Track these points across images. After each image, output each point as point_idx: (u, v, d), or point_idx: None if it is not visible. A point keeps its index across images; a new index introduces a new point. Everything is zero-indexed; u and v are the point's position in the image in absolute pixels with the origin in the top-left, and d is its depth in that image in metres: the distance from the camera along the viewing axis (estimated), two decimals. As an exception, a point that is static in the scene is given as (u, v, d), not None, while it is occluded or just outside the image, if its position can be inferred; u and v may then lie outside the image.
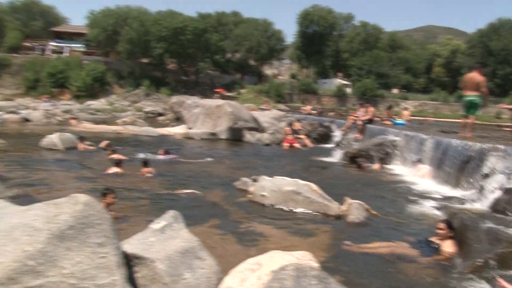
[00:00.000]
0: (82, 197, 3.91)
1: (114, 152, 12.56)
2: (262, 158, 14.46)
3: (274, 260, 4.08)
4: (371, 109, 18.35)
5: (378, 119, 19.89)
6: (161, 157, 12.69)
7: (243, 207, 7.78)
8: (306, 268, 2.92)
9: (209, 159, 13.25)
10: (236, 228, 6.58)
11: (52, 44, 50.80)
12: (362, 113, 17.71)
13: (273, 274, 3.11)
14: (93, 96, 40.24)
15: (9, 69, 44.64)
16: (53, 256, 3.59)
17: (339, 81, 52.07)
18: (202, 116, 19.36)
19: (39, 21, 55.02)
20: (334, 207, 7.62)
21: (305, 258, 4.10)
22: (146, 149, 14.06)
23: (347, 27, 61.74)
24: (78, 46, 50.36)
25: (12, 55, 46.42)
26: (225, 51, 53.34)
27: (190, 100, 22.51)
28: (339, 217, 7.36)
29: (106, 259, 3.66)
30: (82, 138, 14.22)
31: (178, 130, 19.83)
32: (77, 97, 39.65)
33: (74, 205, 3.84)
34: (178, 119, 25.02)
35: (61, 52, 48.84)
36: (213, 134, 18.49)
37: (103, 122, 24.30)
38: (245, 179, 9.21)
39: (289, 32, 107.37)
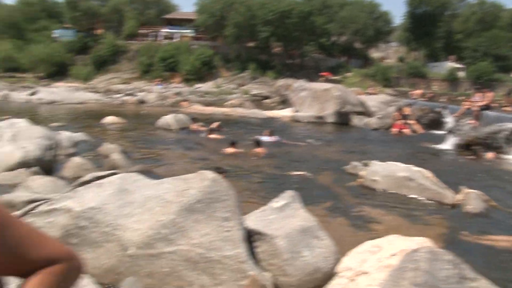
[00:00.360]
0: (209, 174, 4.12)
1: (212, 132, 13.11)
2: (370, 142, 14.16)
3: (394, 244, 4.03)
4: (489, 94, 17.09)
5: (497, 105, 18.51)
6: (266, 138, 12.89)
7: (354, 191, 7.71)
8: (439, 252, 2.85)
9: (316, 142, 13.24)
10: (348, 211, 6.56)
11: (164, 30, 53.27)
12: (479, 99, 16.58)
13: (405, 255, 3.07)
14: (201, 79, 41.75)
15: (127, 55, 47.80)
16: (183, 226, 3.84)
17: (450, 64, 48.96)
18: (309, 100, 19.32)
19: (153, 9, 57.93)
20: (449, 196, 7.28)
21: (425, 245, 3.99)
22: (254, 131, 14.36)
23: (461, 6, 57.71)
24: (188, 32, 52.28)
25: (129, 42, 49.61)
26: (330, 34, 52.42)
27: (297, 83, 22.53)
28: (454, 206, 7.02)
29: (231, 233, 3.84)
30: (194, 119, 14.94)
31: (284, 113, 20.03)
32: (187, 80, 41.41)
33: (202, 180, 4.06)
34: (284, 102, 25.23)
35: (172, 38, 51.04)
36: (320, 117, 18.41)
37: (211, 104, 25.19)
38: (355, 163, 9.09)
39: (397, 13, 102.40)
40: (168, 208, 3.93)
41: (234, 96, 30.11)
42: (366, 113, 18.90)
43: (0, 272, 0.88)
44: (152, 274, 3.79)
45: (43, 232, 0.91)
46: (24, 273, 0.88)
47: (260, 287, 3.72)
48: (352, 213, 6.48)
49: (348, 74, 45.36)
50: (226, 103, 24.97)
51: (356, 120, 18.16)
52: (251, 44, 48.50)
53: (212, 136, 12.80)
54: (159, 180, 4.44)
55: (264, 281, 3.75)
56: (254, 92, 32.46)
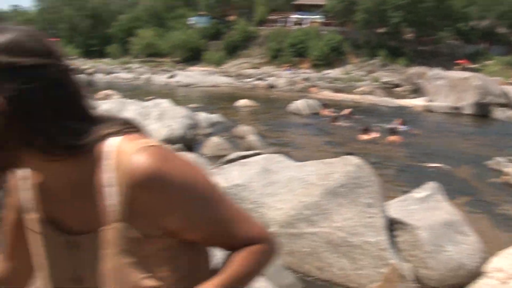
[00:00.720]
0: (354, 159, 4.13)
1: (336, 119, 13.01)
2: (514, 137, 13.00)
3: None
4: None
5: None
6: (397, 127, 12.46)
7: (498, 189, 7.17)
8: None
9: (453, 134, 12.50)
10: (491, 209, 6.13)
11: (293, 16, 53.66)
12: None
13: None
14: (330, 65, 41.47)
15: (257, 40, 49.16)
16: (326, 209, 3.91)
17: None
18: (445, 89, 18.22)
19: (283, -5, 58.70)
20: None
21: None
22: (384, 119, 13.96)
23: None
24: (317, 18, 52.12)
25: (259, 28, 50.95)
26: (469, 18, 48.69)
27: (432, 71, 21.36)
28: None
29: (374, 220, 3.82)
30: (325, 105, 14.95)
31: (417, 102, 19.13)
32: (315, 66, 41.45)
33: (346, 165, 4.08)
34: (416, 91, 24.07)
35: (301, 24, 51.25)
36: (456, 108, 17.27)
37: (340, 90, 24.93)
38: (499, 158, 8.43)
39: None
40: (311, 190, 4.01)
41: (363, 83, 29.47)
42: (510, 105, 17.36)
43: (207, 243, 1.00)
44: (293, 252, 3.92)
45: (248, 212, 1.00)
46: (228, 247, 0.98)
47: (400, 277, 3.66)
48: (496, 211, 6.05)
49: (488, 62, 41.83)
50: (355, 90, 24.55)
51: (498, 113, 16.72)
52: (381, 30, 46.92)
53: (337, 123, 12.73)
54: (302, 162, 4.55)
55: (404, 271, 3.69)
56: (385, 79, 31.42)
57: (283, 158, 4.77)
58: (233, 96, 18.58)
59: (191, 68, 41.62)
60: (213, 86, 25.66)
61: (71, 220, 0.93)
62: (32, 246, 1.03)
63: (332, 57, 42.53)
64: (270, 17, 53.91)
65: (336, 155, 5.97)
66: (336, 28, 48.10)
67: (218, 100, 18.49)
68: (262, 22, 52.80)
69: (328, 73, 36.63)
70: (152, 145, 0.87)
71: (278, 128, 11.72)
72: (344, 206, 3.87)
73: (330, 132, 11.50)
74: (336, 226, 3.81)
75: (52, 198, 0.94)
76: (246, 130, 9.50)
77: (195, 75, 29.19)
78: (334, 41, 43.28)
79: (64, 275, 0.96)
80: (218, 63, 45.92)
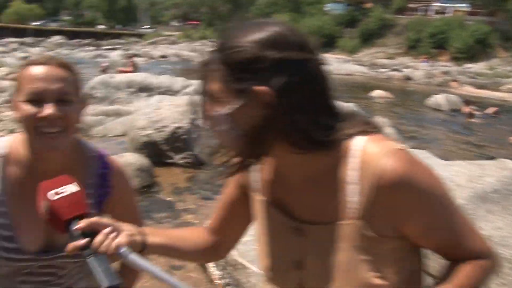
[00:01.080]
0: (511, 163, 3.81)
1: (472, 116, 12.30)
2: None
3: None
4: None
5: None
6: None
7: None
8: None
9: None
10: None
11: (436, 4, 50.97)
12: None
13: None
14: (472, 58, 38.63)
15: (394, 29, 47.46)
16: (472, 214, 3.64)
17: None
18: None
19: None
20: None
21: None
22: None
23: None
24: (462, 6, 48.93)
25: (397, 16, 49.10)
26: None
27: None
28: None
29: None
30: (468, 101, 13.99)
31: None
32: (455, 59, 38.90)
33: (501, 169, 3.79)
34: None
35: (443, 13, 48.58)
36: None
37: (484, 87, 23.10)
38: None
39: None
40: (458, 192, 3.76)
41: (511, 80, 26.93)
42: None
43: (435, 250, 0.97)
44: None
45: (474, 224, 0.98)
46: (452, 257, 0.96)
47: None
48: None
49: None
50: (501, 87, 22.56)
51: None
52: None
53: (473, 120, 11.92)
54: (449, 161, 4.31)
55: None
56: (540, 77, 28.36)
57: (428, 155, 4.55)
58: (367, 86, 18.20)
59: (325, 55, 41.52)
60: (347, 74, 25.31)
61: (300, 209, 0.97)
62: (255, 225, 1.09)
63: (476, 50, 39.51)
64: (410, 5, 51.77)
65: (481, 156, 5.57)
66: (483, 17, 44.63)
67: (352, 89, 18.20)
68: (400, 10, 50.93)
69: (469, 67, 34.16)
70: (400, 149, 0.88)
71: (416, 122, 11.28)
72: (494, 214, 3.58)
73: (473, 131, 10.77)
74: (484, 235, 3.55)
75: (284, 185, 0.99)
76: (382, 122, 9.22)
77: (329, 62, 29.03)
78: (480, 32, 40.11)
79: (286, 257, 1.01)
80: (352, 51, 45.28)
